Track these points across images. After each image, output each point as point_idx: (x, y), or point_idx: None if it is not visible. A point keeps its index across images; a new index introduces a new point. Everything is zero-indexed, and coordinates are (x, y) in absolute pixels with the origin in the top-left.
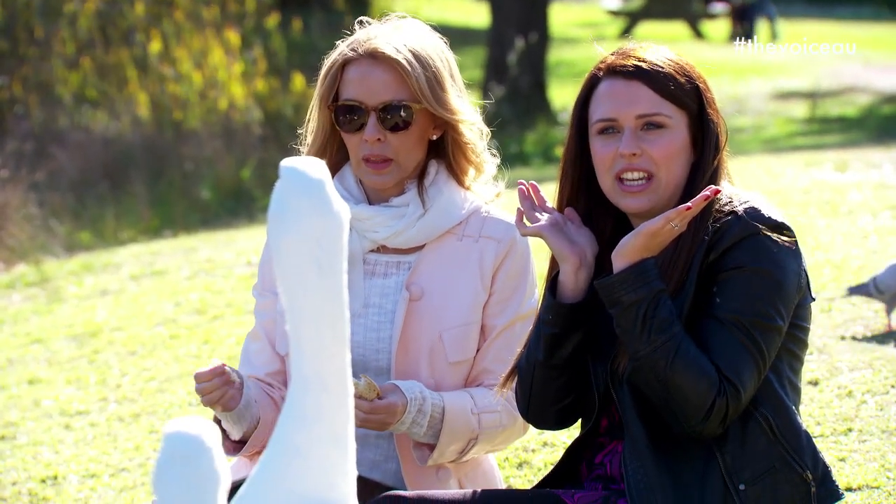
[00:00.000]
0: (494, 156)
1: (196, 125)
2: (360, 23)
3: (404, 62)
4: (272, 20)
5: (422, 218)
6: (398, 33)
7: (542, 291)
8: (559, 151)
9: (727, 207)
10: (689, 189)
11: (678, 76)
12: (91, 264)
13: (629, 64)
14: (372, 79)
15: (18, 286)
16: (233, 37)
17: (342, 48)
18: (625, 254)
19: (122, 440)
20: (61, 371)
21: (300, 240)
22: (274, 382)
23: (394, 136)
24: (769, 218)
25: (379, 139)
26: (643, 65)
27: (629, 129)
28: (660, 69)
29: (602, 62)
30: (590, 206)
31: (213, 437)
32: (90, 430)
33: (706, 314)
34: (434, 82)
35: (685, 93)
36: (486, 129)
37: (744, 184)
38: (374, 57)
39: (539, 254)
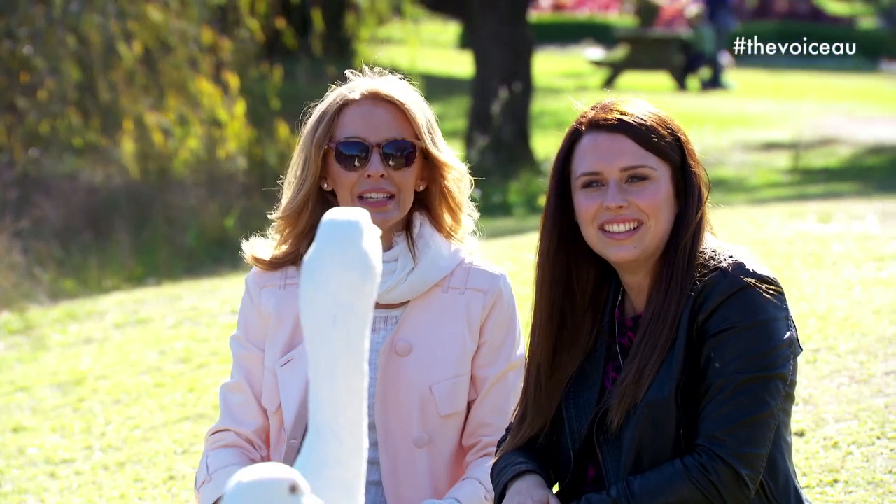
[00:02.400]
0: (475, 206)
1: (183, 173)
2: (349, 73)
3: (406, 102)
4: (259, 70)
5: (412, 273)
6: (391, 80)
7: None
8: (543, 201)
9: (711, 262)
10: (674, 241)
11: (660, 128)
12: (75, 312)
13: (612, 117)
14: (375, 116)
15: (3, 334)
16: (232, 79)
17: (339, 92)
18: None
19: (107, 488)
20: (46, 419)
21: (318, 290)
22: (257, 441)
23: (396, 172)
24: (754, 272)
25: (382, 175)
26: (626, 118)
27: (614, 182)
28: (642, 122)
29: (584, 116)
30: (570, 260)
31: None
32: (75, 479)
33: (708, 384)
34: (430, 125)
35: (667, 145)
36: (471, 179)
37: (728, 235)
38: (376, 97)
39: (523, 303)
